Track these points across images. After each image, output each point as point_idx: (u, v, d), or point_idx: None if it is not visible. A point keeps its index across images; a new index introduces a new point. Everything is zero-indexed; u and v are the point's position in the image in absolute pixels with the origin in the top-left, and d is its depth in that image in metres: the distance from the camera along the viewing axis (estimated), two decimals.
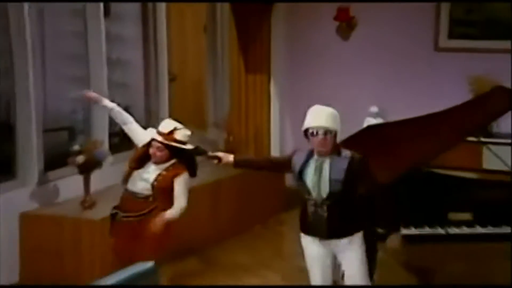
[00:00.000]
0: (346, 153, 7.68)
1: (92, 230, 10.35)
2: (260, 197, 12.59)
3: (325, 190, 7.54)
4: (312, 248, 7.84)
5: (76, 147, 10.67)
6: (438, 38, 12.85)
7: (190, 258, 11.10)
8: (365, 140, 10.14)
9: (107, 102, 9.24)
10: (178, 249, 10.69)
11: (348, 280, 7.97)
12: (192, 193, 10.97)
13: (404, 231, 9.51)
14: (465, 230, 9.39)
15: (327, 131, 7.53)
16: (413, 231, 9.38)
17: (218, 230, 12.01)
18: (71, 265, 10.08)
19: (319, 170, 7.54)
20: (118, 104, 10.60)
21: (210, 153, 8.78)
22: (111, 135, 11.81)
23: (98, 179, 10.92)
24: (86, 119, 11.72)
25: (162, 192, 8.48)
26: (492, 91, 10.16)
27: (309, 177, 7.59)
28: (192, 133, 12.42)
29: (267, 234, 12.54)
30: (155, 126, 11.97)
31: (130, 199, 8.61)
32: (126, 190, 8.69)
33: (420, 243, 9.89)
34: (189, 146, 8.68)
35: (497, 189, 9.69)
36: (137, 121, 12.11)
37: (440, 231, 9.36)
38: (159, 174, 8.50)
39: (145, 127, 12.07)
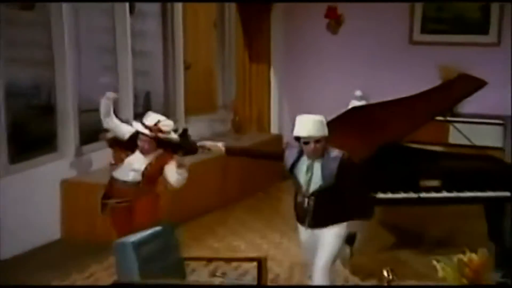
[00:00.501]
0: (335, 153, 7.40)
1: None
2: (263, 169, 12.45)
3: (314, 187, 7.39)
4: (303, 234, 7.69)
5: (106, 125, 10.46)
6: (413, 33, 12.89)
7: (203, 218, 11.16)
8: (350, 119, 10.26)
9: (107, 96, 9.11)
10: (194, 210, 11.01)
11: (317, 260, 7.65)
12: (204, 164, 11.16)
13: (382, 195, 9.83)
14: (434, 194, 9.48)
15: (317, 140, 7.29)
16: (389, 195, 9.47)
17: (227, 195, 12.02)
18: (102, 225, 9.94)
19: (311, 170, 7.36)
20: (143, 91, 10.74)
21: (199, 143, 8.53)
22: (136, 115, 11.71)
23: None
24: (114, 102, 11.69)
25: (151, 178, 8.39)
26: (457, 78, 10.30)
27: (301, 174, 7.42)
28: (205, 114, 12.65)
29: (268, 199, 12.49)
30: (172, 109, 12.26)
31: (121, 187, 8.37)
32: (116, 180, 8.43)
33: (396, 205, 10.08)
34: (174, 136, 8.51)
35: (461, 160, 9.83)
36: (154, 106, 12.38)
37: (413, 195, 9.44)
38: (149, 164, 8.33)
39: (164, 109, 12.37)
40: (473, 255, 6.93)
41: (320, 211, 7.42)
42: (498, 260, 7.96)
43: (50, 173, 10.51)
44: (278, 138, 13.58)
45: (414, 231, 10.00)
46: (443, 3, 12.47)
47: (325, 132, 7.37)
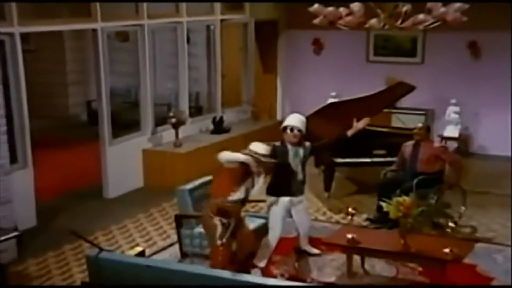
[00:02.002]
0: (306, 143, 7.31)
1: (180, 158, 10.48)
2: (270, 141, 12.21)
3: (299, 165, 7.22)
4: (278, 206, 7.23)
5: (171, 114, 10.72)
6: (369, 55, 12.80)
7: None
8: (328, 111, 10.21)
9: None
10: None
11: (299, 226, 7.51)
12: (234, 139, 11.24)
13: (348, 160, 9.87)
14: (381, 159, 9.72)
15: (297, 129, 7.19)
16: (354, 160, 9.73)
17: None
18: (169, 177, 10.08)
19: (296, 155, 7.19)
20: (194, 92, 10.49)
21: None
22: (190, 107, 11.72)
23: (183, 131, 10.88)
24: (176, 99, 11.56)
25: None
26: (397, 84, 10.25)
27: (291, 158, 7.18)
28: (234, 107, 12.58)
29: None
30: (213, 103, 12.31)
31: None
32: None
33: (358, 166, 10.12)
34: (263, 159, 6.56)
35: (398, 136, 9.74)
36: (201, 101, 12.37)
37: (368, 159, 9.71)
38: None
39: (208, 104, 12.43)
40: (406, 198, 7.14)
41: (300, 182, 7.30)
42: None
43: (136, 144, 10.53)
44: (281, 122, 12.96)
45: (368, 183, 10.04)
46: (389, 37, 12.37)
47: (303, 127, 7.24)
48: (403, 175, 8.74)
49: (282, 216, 7.26)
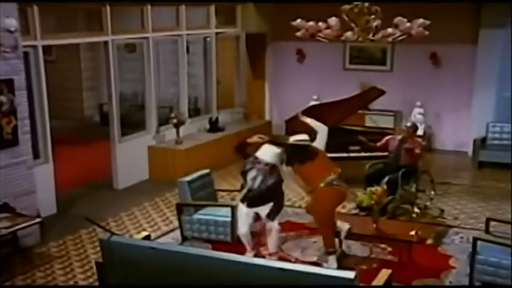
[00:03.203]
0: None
1: (180, 154, 10.45)
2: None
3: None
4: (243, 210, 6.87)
5: (172, 115, 10.75)
6: (345, 63, 12.74)
7: (226, 167, 10.68)
8: (310, 112, 10.31)
9: None
10: (220, 163, 10.72)
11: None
12: (228, 137, 11.18)
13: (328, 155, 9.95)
14: (356, 154, 9.65)
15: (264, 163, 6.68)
16: (332, 155, 9.71)
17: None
18: (171, 170, 10.10)
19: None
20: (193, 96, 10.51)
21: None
22: (189, 109, 11.64)
23: (183, 130, 10.87)
24: (177, 102, 11.51)
25: None
26: (369, 89, 10.19)
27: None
28: (228, 109, 12.52)
29: None
30: (209, 106, 12.25)
31: None
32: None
33: (336, 160, 10.26)
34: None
35: (371, 134, 9.64)
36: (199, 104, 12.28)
37: (345, 154, 9.59)
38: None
39: (205, 106, 12.32)
40: (377, 188, 7.19)
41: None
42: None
43: (142, 142, 10.51)
44: (269, 122, 13.33)
45: (346, 175, 10.08)
46: (362, 48, 12.32)
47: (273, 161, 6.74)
48: (387, 168, 8.71)
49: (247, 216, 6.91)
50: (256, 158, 6.76)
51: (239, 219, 6.98)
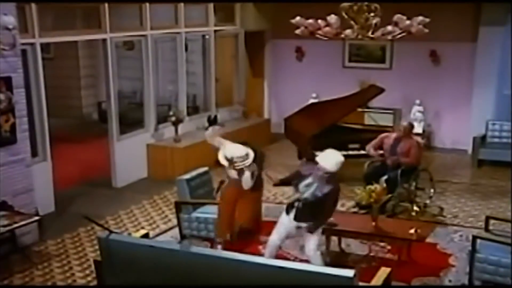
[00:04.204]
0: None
1: (179, 152, 10.41)
2: (258, 137, 11.84)
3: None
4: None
5: (171, 113, 10.68)
6: (344, 61, 12.70)
7: (219, 167, 11.04)
8: (309, 109, 10.36)
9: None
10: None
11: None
12: (227, 135, 11.20)
13: None
14: (356, 152, 9.61)
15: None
16: None
17: None
18: (170, 168, 10.10)
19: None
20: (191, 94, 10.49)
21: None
22: (188, 107, 11.60)
23: (181, 128, 10.85)
24: (176, 100, 11.50)
25: None
26: (369, 87, 10.32)
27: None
28: (227, 107, 12.51)
29: None
30: (208, 104, 12.23)
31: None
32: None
33: None
34: (246, 163, 6.78)
35: (370, 132, 9.63)
36: (198, 102, 12.24)
37: (344, 152, 9.61)
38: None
39: (203, 104, 12.27)
40: (377, 186, 7.17)
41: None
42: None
43: (140, 140, 10.48)
44: (268, 120, 13.33)
45: (345, 173, 10.04)
46: (361, 46, 12.29)
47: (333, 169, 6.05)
48: (385, 167, 8.67)
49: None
50: (317, 163, 6.07)
51: (276, 228, 6.39)
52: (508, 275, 6.02)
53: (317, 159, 6.14)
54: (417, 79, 12.19)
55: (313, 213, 6.07)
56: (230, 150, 6.95)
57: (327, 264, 6.45)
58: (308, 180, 6.09)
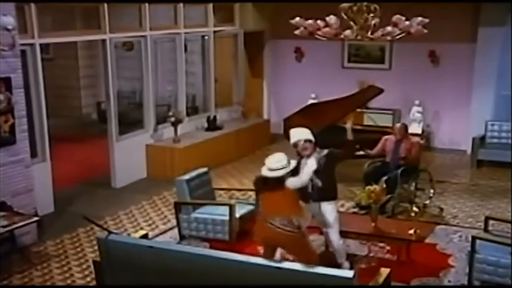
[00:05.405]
0: (323, 151, 6.48)
1: (178, 152, 10.42)
2: (257, 137, 12.30)
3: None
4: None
5: (170, 114, 10.72)
6: (343, 62, 12.68)
7: (225, 165, 11.00)
8: (308, 110, 10.26)
9: None
10: (219, 161, 10.87)
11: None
12: (224, 135, 11.24)
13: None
14: (355, 153, 9.32)
15: (303, 140, 6.37)
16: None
17: (238, 152, 11.58)
18: (169, 169, 10.11)
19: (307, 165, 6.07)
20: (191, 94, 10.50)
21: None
22: (187, 108, 11.63)
23: (181, 129, 10.89)
24: (175, 100, 11.50)
25: None
26: (368, 87, 10.28)
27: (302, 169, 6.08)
28: (226, 107, 12.54)
29: (262, 155, 12.22)
30: (208, 104, 12.21)
31: None
32: None
33: None
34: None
35: (370, 133, 9.81)
36: (197, 102, 12.26)
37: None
38: None
39: (203, 105, 12.26)
40: (376, 186, 7.17)
41: (322, 188, 6.42)
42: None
43: (140, 140, 10.48)
44: (267, 121, 13.33)
45: (345, 173, 10.05)
46: (361, 47, 12.30)
47: (310, 137, 6.43)
48: (385, 167, 8.67)
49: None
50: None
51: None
52: (507, 276, 6.02)
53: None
54: (416, 80, 12.19)
55: (323, 185, 6.39)
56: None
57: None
58: (302, 162, 6.32)
